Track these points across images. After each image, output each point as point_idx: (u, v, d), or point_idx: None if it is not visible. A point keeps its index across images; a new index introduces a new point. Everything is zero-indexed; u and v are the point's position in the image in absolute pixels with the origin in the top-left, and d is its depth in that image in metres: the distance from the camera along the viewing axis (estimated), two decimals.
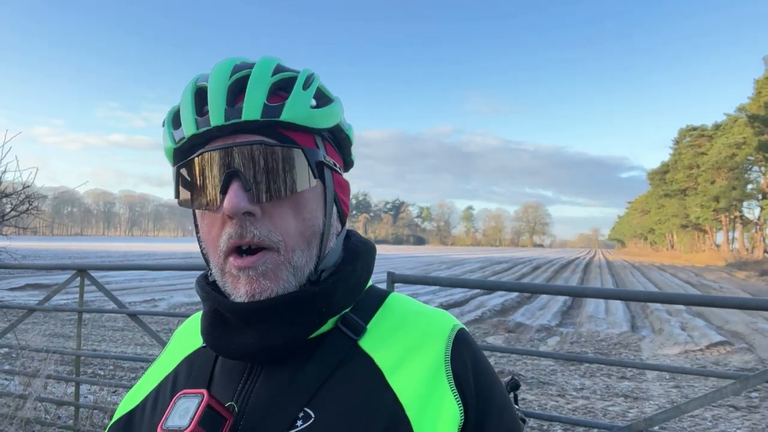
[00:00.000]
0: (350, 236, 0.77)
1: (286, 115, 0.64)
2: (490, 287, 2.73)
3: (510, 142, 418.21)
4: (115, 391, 4.98)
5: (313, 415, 0.61)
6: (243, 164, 0.62)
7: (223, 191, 0.62)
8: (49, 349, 4.21)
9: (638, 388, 6.72)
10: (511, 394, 1.79)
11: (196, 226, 0.70)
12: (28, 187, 5.46)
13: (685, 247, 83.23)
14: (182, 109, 0.67)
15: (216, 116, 0.63)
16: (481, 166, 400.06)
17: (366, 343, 0.67)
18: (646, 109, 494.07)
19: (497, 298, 14.51)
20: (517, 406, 1.68)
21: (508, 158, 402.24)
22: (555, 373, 7.31)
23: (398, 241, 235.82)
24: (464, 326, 0.73)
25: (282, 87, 0.67)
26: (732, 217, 61.66)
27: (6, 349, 6.65)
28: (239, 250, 0.64)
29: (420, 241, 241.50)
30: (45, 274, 18.27)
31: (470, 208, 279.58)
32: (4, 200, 5.39)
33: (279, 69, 0.68)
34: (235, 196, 0.61)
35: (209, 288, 0.69)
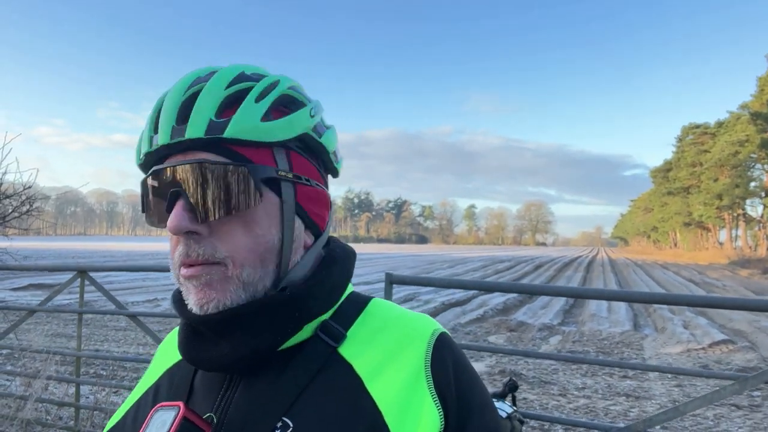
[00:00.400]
0: (329, 243, 0.76)
1: (230, 131, 0.62)
2: (486, 288, 2.71)
3: (512, 141, 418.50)
4: (116, 391, 4.98)
5: (291, 425, 0.60)
6: (185, 183, 0.62)
7: (169, 210, 0.62)
8: (49, 350, 4.22)
9: (640, 387, 6.71)
10: (510, 396, 1.78)
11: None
12: (29, 188, 5.48)
13: (689, 245, 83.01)
14: (146, 124, 0.68)
15: (163, 135, 0.63)
16: (483, 165, 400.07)
17: (346, 350, 0.67)
18: (648, 107, 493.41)
19: (499, 297, 14.50)
20: (515, 408, 1.67)
21: (510, 157, 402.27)
22: (557, 372, 7.30)
23: (400, 239, 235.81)
24: (445, 330, 0.71)
25: (239, 98, 0.65)
26: (735, 214, 61.55)
27: (7, 350, 6.68)
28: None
29: (422, 240, 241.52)
30: (48, 274, 18.31)
31: (472, 206, 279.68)
32: (5, 201, 5.41)
33: (239, 79, 0.66)
34: (176, 216, 0.61)
35: (182, 302, 0.69)
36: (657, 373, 7.31)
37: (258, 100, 0.65)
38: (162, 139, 0.63)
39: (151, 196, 0.65)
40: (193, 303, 0.63)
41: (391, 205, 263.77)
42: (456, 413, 0.64)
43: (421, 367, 0.64)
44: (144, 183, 0.67)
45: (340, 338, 0.67)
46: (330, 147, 0.73)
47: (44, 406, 4.38)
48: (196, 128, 0.62)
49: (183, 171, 0.62)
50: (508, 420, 1.50)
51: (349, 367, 0.65)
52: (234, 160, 0.63)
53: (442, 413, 0.62)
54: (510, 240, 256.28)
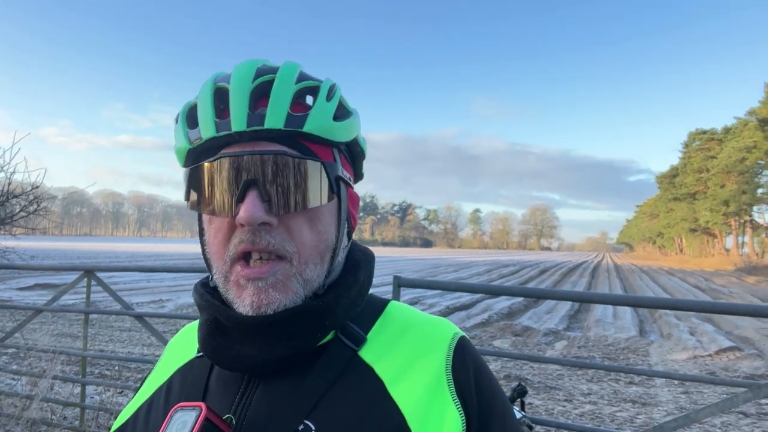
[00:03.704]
0: (351, 245, 0.76)
1: (309, 127, 0.63)
2: (495, 292, 2.69)
3: (516, 145, 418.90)
4: (121, 391, 4.98)
5: (313, 428, 0.59)
6: (262, 174, 0.60)
7: (240, 200, 0.60)
8: (55, 350, 4.22)
9: (646, 393, 6.65)
10: (519, 401, 1.77)
11: (201, 228, 0.68)
12: (37, 187, 5.50)
13: (695, 251, 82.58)
14: (201, 108, 0.65)
15: (238, 121, 0.61)
16: (488, 168, 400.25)
17: (366, 354, 0.66)
18: (654, 111, 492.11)
19: (504, 302, 14.42)
20: (524, 413, 1.65)
21: (515, 161, 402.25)
22: (562, 378, 7.26)
23: (405, 243, 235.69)
24: (465, 334, 0.71)
25: (304, 95, 0.66)
26: (742, 221, 61.15)
27: (14, 350, 6.70)
28: (247, 258, 0.62)
29: (427, 244, 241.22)
30: (54, 274, 18.37)
31: (477, 210, 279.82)
32: (13, 201, 5.43)
33: (302, 76, 0.66)
34: (252, 206, 0.59)
35: (209, 296, 0.67)
36: (663, 379, 7.25)
37: (328, 99, 0.66)
38: (237, 125, 0.61)
39: (212, 183, 0.62)
40: (247, 303, 0.61)
41: (396, 208, 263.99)
42: (477, 418, 0.63)
43: (443, 371, 0.64)
44: (197, 169, 0.63)
45: (360, 341, 0.67)
46: (366, 154, 0.76)
47: (49, 405, 4.38)
48: (275, 119, 0.62)
49: (262, 160, 0.60)
50: None
51: (370, 371, 0.64)
52: (306, 156, 0.63)
53: (464, 418, 0.62)
54: (515, 244, 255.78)
